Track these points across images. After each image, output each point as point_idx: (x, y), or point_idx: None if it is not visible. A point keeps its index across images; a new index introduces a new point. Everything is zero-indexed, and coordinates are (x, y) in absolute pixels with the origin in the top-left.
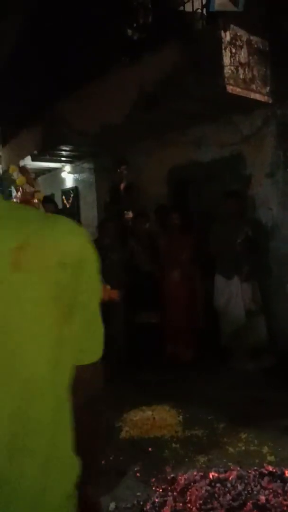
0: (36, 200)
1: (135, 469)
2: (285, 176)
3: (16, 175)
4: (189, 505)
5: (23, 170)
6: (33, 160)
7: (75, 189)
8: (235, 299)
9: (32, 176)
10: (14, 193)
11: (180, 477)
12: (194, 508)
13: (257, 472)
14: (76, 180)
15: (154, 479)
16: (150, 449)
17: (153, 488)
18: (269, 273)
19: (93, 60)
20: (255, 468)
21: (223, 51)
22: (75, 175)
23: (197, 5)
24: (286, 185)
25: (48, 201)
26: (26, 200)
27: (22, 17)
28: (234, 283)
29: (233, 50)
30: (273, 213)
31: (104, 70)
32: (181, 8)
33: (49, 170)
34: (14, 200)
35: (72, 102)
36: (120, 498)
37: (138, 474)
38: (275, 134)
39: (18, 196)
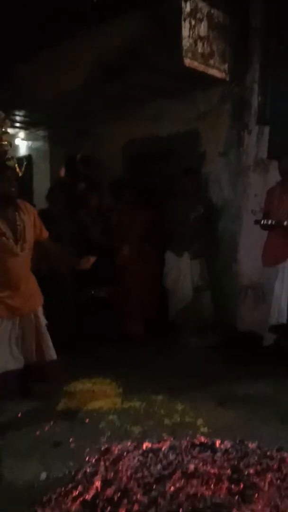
0: (5, 142)
1: (70, 439)
2: (238, 156)
3: None
4: (120, 475)
5: None
6: None
7: (28, 157)
8: (184, 275)
9: (1, 115)
10: None
11: (113, 448)
12: (124, 477)
13: (189, 443)
14: (29, 148)
15: (87, 449)
16: (87, 420)
17: (86, 459)
18: (217, 252)
19: (51, 24)
20: (188, 438)
21: (183, 22)
22: (29, 142)
23: None
24: (238, 164)
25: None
26: None
27: None
28: (184, 260)
29: (193, 23)
30: (224, 193)
31: (62, 35)
32: None
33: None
34: None
35: (28, 67)
36: (52, 468)
37: (72, 445)
38: (230, 112)
39: None
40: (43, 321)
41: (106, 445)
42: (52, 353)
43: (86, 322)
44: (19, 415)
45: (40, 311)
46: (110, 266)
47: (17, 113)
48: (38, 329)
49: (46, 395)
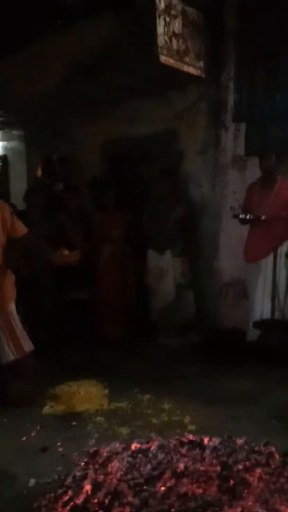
0: None
1: (57, 444)
2: (216, 154)
3: None
4: (110, 477)
5: None
6: None
7: (3, 157)
8: (166, 274)
9: None
10: None
11: (102, 450)
12: (114, 479)
13: (177, 441)
14: (4, 148)
15: (76, 453)
16: (74, 423)
17: (75, 462)
18: (199, 250)
19: (26, 23)
20: (176, 437)
21: (157, 19)
22: (4, 142)
23: None
24: (216, 163)
25: None
26: None
27: None
28: (166, 259)
29: (168, 19)
30: (203, 191)
31: (38, 34)
32: None
33: None
34: None
35: (3, 66)
36: (40, 475)
37: (60, 449)
38: (207, 111)
39: None
40: (16, 315)
41: (95, 448)
42: (30, 345)
43: (66, 324)
44: (5, 420)
45: (12, 305)
46: (89, 268)
47: None
48: (11, 324)
49: (31, 398)
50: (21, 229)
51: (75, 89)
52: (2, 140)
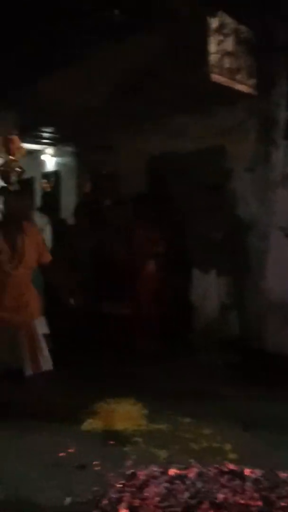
0: (11, 169)
1: (94, 462)
2: (265, 172)
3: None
4: (146, 502)
5: (6, 140)
6: None
7: (56, 173)
8: (210, 292)
9: (18, 146)
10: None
11: (139, 473)
12: (151, 506)
13: (217, 470)
14: (57, 163)
15: (112, 473)
16: (111, 442)
17: (111, 483)
18: (245, 269)
19: (76, 41)
20: (216, 465)
21: (210, 38)
22: (57, 158)
23: None
24: (265, 181)
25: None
26: (4, 168)
27: None
28: (210, 277)
29: (220, 38)
30: (251, 209)
31: (88, 52)
32: None
33: (30, 152)
34: None
35: (54, 83)
36: (76, 493)
37: (96, 468)
38: (257, 127)
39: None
40: (40, 331)
41: (132, 470)
42: (48, 363)
43: (105, 338)
44: (44, 434)
45: (37, 322)
46: (130, 282)
47: (44, 129)
48: (33, 339)
49: (69, 414)
50: (46, 256)
51: (122, 105)
52: (55, 156)
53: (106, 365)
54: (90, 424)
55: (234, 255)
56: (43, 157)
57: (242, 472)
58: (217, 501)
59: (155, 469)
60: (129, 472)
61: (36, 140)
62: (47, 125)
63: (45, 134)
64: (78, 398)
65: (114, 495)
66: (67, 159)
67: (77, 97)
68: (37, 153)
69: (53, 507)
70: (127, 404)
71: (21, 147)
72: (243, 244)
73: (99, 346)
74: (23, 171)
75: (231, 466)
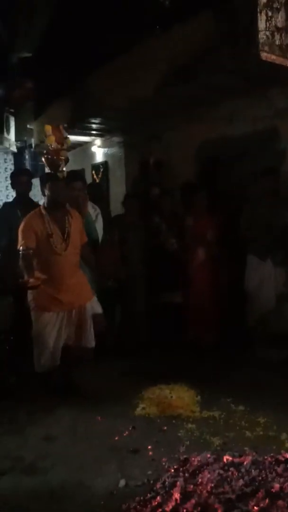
0: (60, 157)
1: (148, 447)
2: None
3: (48, 133)
4: (200, 488)
5: (54, 128)
6: None
7: (104, 164)
8: (267, 281)
9: (65, 135)
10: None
11: (193, 459)
12: (204, 491)
13: (273, 459)
14: (106, 154)
15: (166, 458)
16: (165, 428)
17: (165, 468)
18: None
19: (124, 32)
20: (272, 454)
21: (258, 14)
22: (105, 149)
23: None
24: None
25: (75, 177)
26: (51, 156)
27: None
28: (268, 265)
29: (270, 13)
30: None
31: (135, 42)
32: None
33: (80, 144)
34: (43, 157)
35: (102, 75)
36: (130, 476)
37: (150, 453)
38: None
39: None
40: (89, 311)
41: (185, 456)
42: (91, 341)
43: (158, 327)
44: (99, 418)
45: (88, 304)
46: (182, 271)
47: (92, 121)
48: (82, 318)
49: (123, 398)
50: (85, 238)
51: (171, 93)
52: (103, 146)
53: (159, 354)
54: (144, 409)
55: None
56: (92, 148)
57: None
58: (273, 490)
59: (208, 455)
60: (182, 457)
61: (85, 131)
62: (95, 116)
63: (93, 126)
64: (132, 384)
65: (168, 479)
66: (116, 150)
67: (125, 87)
68: (87, 144)
69: (108, 490)
70: (181, 391)
71: (68, 136)
72: None
73: (154, 334)
74: (68, 160)
75: (287, 455)
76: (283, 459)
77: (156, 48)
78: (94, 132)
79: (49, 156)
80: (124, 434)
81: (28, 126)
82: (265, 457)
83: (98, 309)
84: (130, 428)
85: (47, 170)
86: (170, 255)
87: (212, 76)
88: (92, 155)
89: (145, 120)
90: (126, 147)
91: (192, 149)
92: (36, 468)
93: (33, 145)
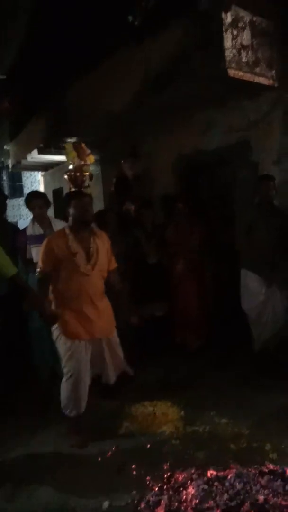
0: (84, 173)
1: (132, 466)
2: None
3: (69, 149)
4: (184, 504)
5: (76, 145)
6: (39, 153)
7: None
8: (272, 303)
9: (87, 152)
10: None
11: (177, 475)
12: (189, 508)
13: (257, 471)
14: None
15: (150, 476)
16: (149, 445)
17: (149, 486)
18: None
19: (96, 47)
20: (256, 466)
21: (224, 33)
22: None
23: None
24: None
25: (36, 195)
26: (75, 173)
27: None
28: (273, 285)
29: (235, 32)
30: (280, 201)
31: (108, 57)
32: None
33: (57, 163)
34: (67, 175)
35: (77, 92)
36: (114, 496)
37: (134, 472)
38: (281, 119)
39: (70, 169)
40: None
41: (169, 473)
42: (128, 368)
43: (142, 339)
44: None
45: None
46: (165, 282)
47: (68, 140)
48: (114, 348)
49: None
50: (113, 263)
51: (146, 104)
52: None
53: (144, 366)
54: (128, 428)
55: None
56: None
57: (283, 472)
58: (257, 502)
59: (193, 471)
60: (167, 474)
61: (62, 151)
62: (71, 135)
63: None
64: (116, 401)
65: (152, 498)
66: (93, 167)
67: (100, 103)
68: (64, 163)
69: (92, 511)
70: (164, 406)
71: (90, 153)
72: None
73: (138, 348)
74: (92, 176)
75: (271, 466)
76: (267, 470)
77: (129, 60)
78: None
79: (72, 173)
80: (108, 455)
81: (4, 147)
82: (249, 469)
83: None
84: (114, 448)
85: (68, 188)
86: (152, 267)
87: (184, 86)
88: None
89: (122, 134)
90: (103, 164)
91: (170, 160)
92: (20, 490)
93: (10, 166)
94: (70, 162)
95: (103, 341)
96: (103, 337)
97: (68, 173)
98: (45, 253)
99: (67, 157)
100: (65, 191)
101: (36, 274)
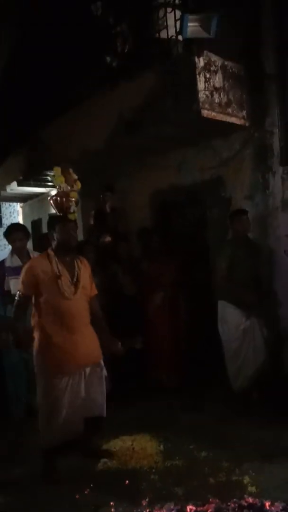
0: (70, 199)
1: (111, 503)
2: (264, 198)
3: (57, 174)
4: None
5: (64, 170)
6: (19, 185)
7: None
8: (251, 332)
9: (74, 178)
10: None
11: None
12: None
13: (236, 505)
14: None
15: None
16: (127, 481)
17: None
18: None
19: (75, 87)
20: (235, 500)
21: (198, 76)
22: None
23: (172, 32)
24: (265, 207)
25: (17, 228)
26: (61, 198)
27: (6, 47)
28: (252, 316)
29: (208, 75)
30: (253, 236)
31: (85, 96)
32: (157, 35)
33: (36, 195)
34: (52, 199)
35: (56, 128)
36: None
37: (113, 510)
38: (253, 156)
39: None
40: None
41: (148, 509)
42: (104, 408)
43: (119, 374)
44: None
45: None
46: (141, 315)
47: (48, 173)
48: (101, 382)
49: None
50: (94, 290)
51: (121, 144)
52: None
53: (121, 401)
54: (105, 464)
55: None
56: (49, 199)
57: (262, 506)
58: None
59: (172, 507)
60: (146, 511)
61: (41, 183)
62: (50, 169)
63: (49, 178)
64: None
65: None
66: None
67: (78, 140)
68: (43, 195)
69: None
70: (143, 441)
71: (77, 179)
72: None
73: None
74: (78, 202)
75: (250, 500)
76: (246, 504)
77: (105, 102)
78: (50, 183)
79: (58, 198)
80: (86, 492)
81: None
82: (229, 504)
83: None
84: (91, 485)
85: (53, 212)
86: (128, 300)
87: (158, 127)
88: (48, 205)
89: (99, 170)
90: (81, 197)
91: (145, 196)
92: None
93: None
94: (57, 187)
95: (86, 373)
96: (89, 363)
97: (54, 198)
98: (27, 276)
99: (54, 181)
100: (44, 219)
101: (16, 296)
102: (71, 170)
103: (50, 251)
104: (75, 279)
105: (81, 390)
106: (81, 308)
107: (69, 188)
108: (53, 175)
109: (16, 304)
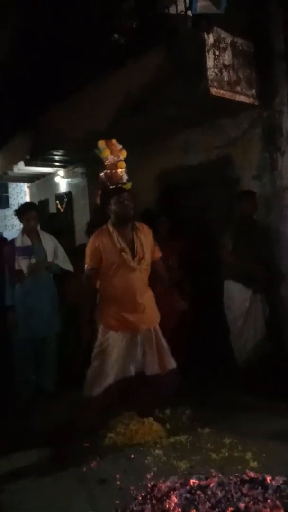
0: (119, 169)
1: (116, 476)
2: (272, 179)
3: (102, 148)
4: None
5: (108, 142)
6: (26, 165)
7: (68, 194)
8: (254, 311)
9: (119, 147)
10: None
11: (160, 484)
12: None
13: (238, 479)
14: (69, 184)
15: (134, 486)
16: (132, 456)
17: (132, 496)
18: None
19: (82, 66)
20: (237, 474)
21: (207, 53)
22: (68, 179)
23: (181, 7)
24: (273, 188)
25: (30, 207)
26: (111, 170)
27: (12, 28)
28: (257, 295)
29: (217, 53)
30: (260, 217)
31: (93, 76)
32: (166, 11)
33: (43, 175)
34: (103, 173)
35: (62, 108)
36: (98, 507)
37: (118, 482)
38: (261, 136)
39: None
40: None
41: (152, 482)
42: (172, 362)
43: None
44: (67, 450)
45: (158, 327)
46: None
47: (55, 152)
48: (159, 344)
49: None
50: (157, 252)
51: (129, 125)
52: (66, 177)
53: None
54: (111, 439)
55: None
56: (56, 179)
57: (263, 480)
58: (238, 509)
59: (175, 480)
60: (150, 484)
61: (48, 163)
62: (57, 148)
63: (56, 157)
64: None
65: (135, 508)
66: (79, 180)
67: (85, 120)
68: (50, 175)
69: None
70: (148, 418)
71: (122, 148)
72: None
73: None
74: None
75: (252, 474)
76: (247, 478)
77: (112, 81)
78: (56, 163)
79: (109, 171)
80: (92, 466)
81: None
82: (231, 478)
83: None
84: (98, 459)
85: (105, 186)
86: None
87: (165, 107)
88: (55, 185)
89: None
90: (89, 177)
91: (152, 178)
92: (3, 505)
93: None
94: (104, 159)
95: (145, 335)
96: (147, 327)
97: (104, 172)
98: (91, 251)
99: (100, 156)
100: (52, 199)
101: (85, 270)
102: (114, 141)
103: (109, 225)
104: (135, 251)
105: (137, 350)
106: (142, 278)
107: (115, 159)
108: (98, 149)
109: (85, 277)
